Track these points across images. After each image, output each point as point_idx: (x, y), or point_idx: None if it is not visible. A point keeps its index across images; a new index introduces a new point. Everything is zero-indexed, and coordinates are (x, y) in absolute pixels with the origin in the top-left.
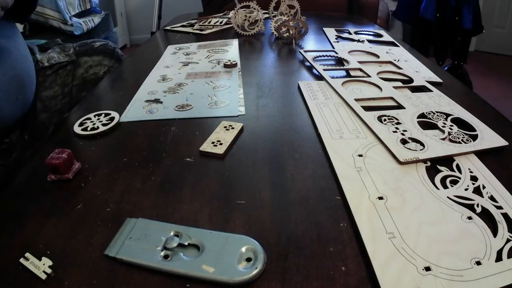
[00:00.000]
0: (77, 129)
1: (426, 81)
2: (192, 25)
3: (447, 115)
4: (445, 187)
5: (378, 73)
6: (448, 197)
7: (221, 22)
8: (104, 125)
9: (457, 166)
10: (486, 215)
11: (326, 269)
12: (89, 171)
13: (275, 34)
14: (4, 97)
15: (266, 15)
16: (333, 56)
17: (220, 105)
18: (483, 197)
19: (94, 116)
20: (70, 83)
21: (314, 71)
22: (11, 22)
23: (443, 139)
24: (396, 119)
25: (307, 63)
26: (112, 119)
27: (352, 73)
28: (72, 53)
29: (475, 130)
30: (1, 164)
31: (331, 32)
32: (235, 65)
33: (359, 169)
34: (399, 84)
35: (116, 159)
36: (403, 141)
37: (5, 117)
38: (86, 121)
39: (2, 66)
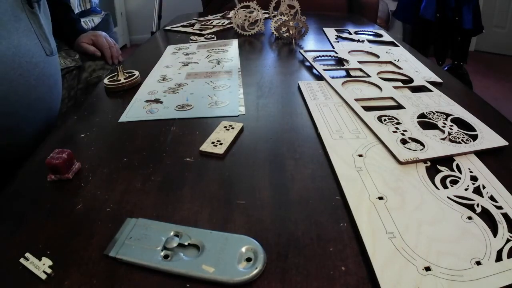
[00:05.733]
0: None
1: (426, 81)
2: (192, 25)
3: (447, 115)
4: (445, 187)
5: (378, 73)
6: (448, 197)
7: (223, 23)
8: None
9: (457, 166)
10: (486, 215)
11: (326, 269)
12: (89, 171)
13: (275, 34)
14: (36, 136)
15: (266, 15)
16: (333, 56)
17: (220, 105)
18: (483, 197)
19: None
20: (76, 86)
21: (314, 71)
22: (56, 54)
23: (443, 139)
24: (396, 119)
25: (307, 63)
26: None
27: (352, 73)
28: (78, 58)
29: (475, 130)
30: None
31: (331, 32)
32: None
33: (359, 169)
34: (399, 84)
35: (116, 159)
36: (403, 141)
37: (29, 152)
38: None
39: (43, 110)
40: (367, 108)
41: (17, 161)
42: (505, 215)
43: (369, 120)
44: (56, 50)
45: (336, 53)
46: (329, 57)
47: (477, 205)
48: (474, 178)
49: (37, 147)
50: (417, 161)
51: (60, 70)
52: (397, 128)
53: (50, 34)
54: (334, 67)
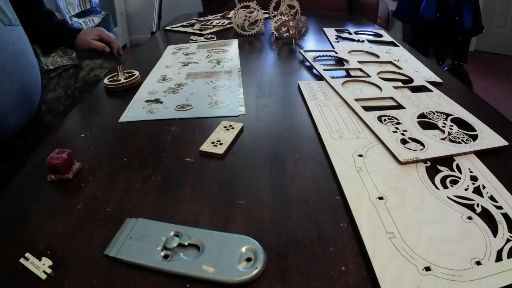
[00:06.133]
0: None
1: (426, 81)
2: (192, 25)
3: (447, 115)
4: (445, 187)
5: (378, 73)
6: (448, 197)
7: (223, 23)
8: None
9: (457, 166)
10: (486, 215)
11: (326, 269)
12: (89, 171)
13: (275, 34)
14: (11, 108)
15: (266, 15)
16: (333, 56)
17: (220, 105)
18: (483, 197)
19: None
20: (73, 85)
21: (314, 71)
22: (18, 25)
23: (443, 139)
24: (396, 119)
25: (307, 63)
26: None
27: (352, 73)
28: (75, 56)
29: (475, 130)
30: (6, 169)
31: (331, 32)
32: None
33: (359, 169)
34: (399, 84)
35: (116, 159)
36: (403, 141)
37: (11, 127)
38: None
39: (10, 76)
40: (367, 108)
41: None
42: (505, 215)
43: (369, 120)
44: (17, 21)
45: (336, 53)
46: (329, 57)
47: (477, 205)
48: (474, 178)
49: (18, 116)
50: (417, 161)
51: (28, 40)
52: (397, 128)
53: (8, 8)
54: (334, 67)
